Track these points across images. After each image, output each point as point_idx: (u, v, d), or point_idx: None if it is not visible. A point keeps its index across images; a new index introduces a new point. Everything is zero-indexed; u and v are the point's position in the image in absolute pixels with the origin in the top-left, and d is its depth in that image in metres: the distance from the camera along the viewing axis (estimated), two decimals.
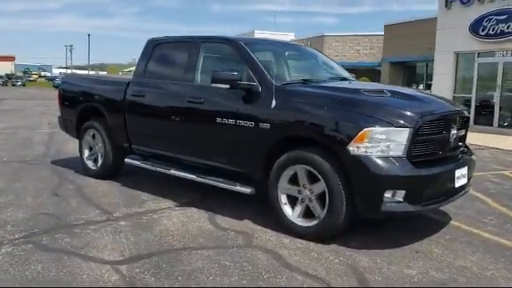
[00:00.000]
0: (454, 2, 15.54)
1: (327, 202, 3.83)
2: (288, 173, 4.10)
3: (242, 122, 4.35)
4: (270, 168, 4.26)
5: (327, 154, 3.82)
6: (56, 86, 54.34)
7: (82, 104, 6.32)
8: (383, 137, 3.63)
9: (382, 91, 4.22)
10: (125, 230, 4.21)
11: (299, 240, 3.99)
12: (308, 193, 4.01)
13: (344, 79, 5.17)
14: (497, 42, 14.07)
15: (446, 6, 15.81)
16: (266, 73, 4.40)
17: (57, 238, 3.96)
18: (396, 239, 4.10)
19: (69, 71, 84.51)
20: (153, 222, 4.43)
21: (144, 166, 5.50)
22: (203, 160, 4.89)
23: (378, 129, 3.62)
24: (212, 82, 4.41)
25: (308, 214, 4.06)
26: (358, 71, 26.49)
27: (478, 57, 15.05)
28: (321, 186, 3.88)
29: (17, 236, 3.97)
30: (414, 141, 3.69)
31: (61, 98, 6.69)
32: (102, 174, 6.11)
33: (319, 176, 3.85)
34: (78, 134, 6.51)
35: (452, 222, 4.67)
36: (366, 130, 3.61)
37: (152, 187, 5.72)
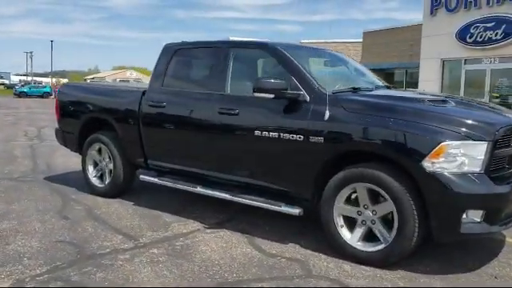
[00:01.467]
0: (440, 10, 15.67)
1: (396, 224, 3.48)
2: (345, 192, 3.74)
3: (287, 136, 3.95)
4: (322, 186, 3.88)
5: (396, 171, 3.48)
6: (17, 94, 52.34)
7: (85, 115, 5.76)
8: (460, 151, 3.32)
9: (445, 100, 3.92)
10: (162, 259, 3.73)
11: (362, 267, 3.63)
12: (370, 214, 3.65)
13: (387, 87, 4.86)
14: (484, 49, 14.23)
15: (432, 13, 15.93)
16: (314, 81, 4.04)
17: (87, 272, 3.44)
18: (461, 261, 3.80)
19: (29, 78, 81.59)
20: (189, 249, 3.97)
21: (164, 183, 5.00)
22: (237, 177, 4.46)
23: (455, 143, 3.31)
24: (255, 91, 4.00)
25: (368, 237, 3.70)
26: None
27: (465, 64, 15.20)
28: (387, 206, 3.53)
29: (39, 271, 3.44)
30: (491, 155, 3.39)
31: (59, 108, 6.10)
32: (110, 193, 5.57)
33: (386, 195, 3.50)
34: (81, 148, 5.94)
35: (509, 240, 4.40)
36: (443, 144, 3.29)
37: (170, 206, 5.24)
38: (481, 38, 14.19)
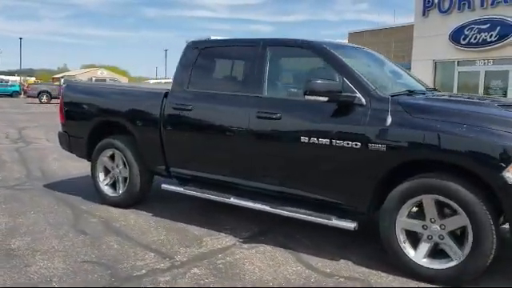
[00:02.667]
0: (432, 11, 15.69)
1: (470, 239, 3.22)
2: (410, 205, 3.45)
3: (341, 143, 3.64)
4: (380, 198, 3.59)
5: (470, 182, 3.21)
6: None
7: (97, 118, 5.31)
8: None
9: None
10: (208, 281, 3.37)
11: (430, 286, 3.34)
12: (438, 228, 3.37)
13: (435, 89, 4.61)
14: (479, 51, 14.28)
15: (424, 14, 15.94)
16: (369, 82, 3.74)
17: None
18: None
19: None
20: (234, 268, 3.61)
21: (191, 193, 4.61)
22: (276, 187, 4.13)
23: None
24: (306, 94, 3.67)
25: (434, 253, 3.42)
26: None
27: (458, 65, 15.24)
28: (460, 220, 3.26)
29: None
30: None
31: (64, 109, 5.62)
32: (125, 202, 5.15)
33: (459, 209, 3.23)
34: (89, 153, 5.48)
35: None
36: None
37: (193, 217, 4.86)
38: (475, 39, 14.24)
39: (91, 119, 5.34)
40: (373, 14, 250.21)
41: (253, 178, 4.24)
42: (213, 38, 5.00)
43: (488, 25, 13.89)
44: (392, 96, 3.65)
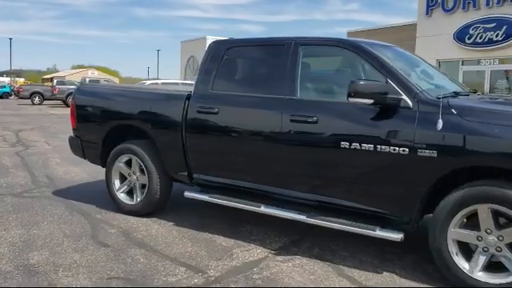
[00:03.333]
0: (435, 10, 15.57)
1: None
2: (463, 214, 3.24)
3: (386, 148, 3.43)
4: (428, 207, 3.39)
5: None
6: None
7: (112, 122, 5.06)
8: None
9: None
10: None
11: None
12: (495, 240, 3.16)
13: (475, 91, 4.41)
14: (484, 51, 14.17)
15: (427, 13, 15.82)
16: (414, 84, 3.53)
17: None
18: None
19: None
20: (273, 283, 3.40)
21: (217, 201, 4.37)
22: (312, 195, 3.90)
23: None
24: (350, 96, 3.45)
25: (491, 266, 3.22)
26: None
27: (463, 65, 15.13)
28: None
29: None
30: None
31: (76, 113, 5.35)
32: (143, 211, 4.90)
33: None
34: (104, 159, 5.23)
35: None
36: None
37: (216, 226, 4.64)
38: (481, 38, 14.14)
39: (106, 123, 5.08)
40: (363, 14, 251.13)
41: (285, 186, 4.02)
42: (233, 37, 4.75)
43: (494, 24, 13.79)
44: (441, 98, 3.44)
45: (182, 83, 24.21)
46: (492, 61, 14.23)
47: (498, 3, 13.70)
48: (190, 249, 4.05)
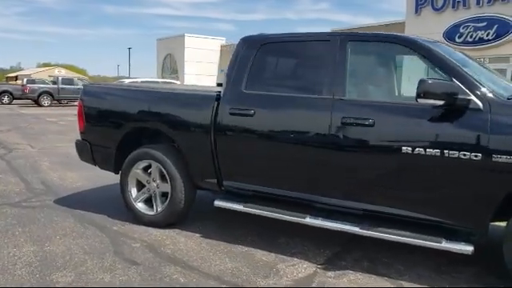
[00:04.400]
0: (425, 8, 15.57)
1: None
2: None
3: (456, 154, 3.17)
4: (502, 218, 3.14)
5: None
6: None
7: (128, 124, 4.64)
8: None
9: None
10: None
11: None
12: None
13: None
14: (475, 50, 14.22)
15: (416, 12, 15.82)
16: (484, 84, 3.28)
17: None
18: None
19: None
20: None
21: (256, 212, 4.03)
22: (363, 204, 3.62)
23: None
24: (419, 97, 3.17)
25: None
26: None
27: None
28: None
29: None
30: None
31: (85, 114, 4.91)
32: (164, 221, 4.51)
33: None
34: (117, 166, 4.81)
35: None
36: None
37: (248, 238, 4.31)
38: (471, 37, 14.20)
39: (122, 126, 4.66)
40: (333, 13, 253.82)
41: (333, 194, 3.71)
42: (264, 33, 4.41)
43: (485, 23, 13.88)
44: (509, 99, 3.20)
45: (163, 81, 23.68)
46: (482, 60, 14.29)
47: (488, 2, 13.80)
48: (229, 265, 3.69)
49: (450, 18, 14.70)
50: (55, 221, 4.72)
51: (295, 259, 3.84)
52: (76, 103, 26.48)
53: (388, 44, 3.74)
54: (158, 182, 4.55)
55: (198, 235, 4.37)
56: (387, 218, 3.55)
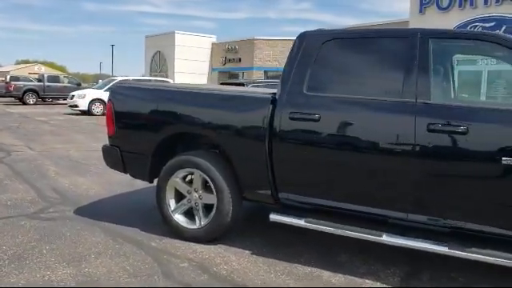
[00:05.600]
0: (430, 8, 15.35)
1: None
2: None
3: None
4: None
5: None
6: None
7: (167, 129, 4.21)
8: None
9: None
10: None
11: None
12: None
13: None
14: None
15: (421, 11, 15.59)
16: None
17: None
18: None
19: None
20: None
21: (320, 228, 3.63)
22: (452, 221, 3.25)
23: None
24: None
25: None
26: None
27: (458, 64, 14.94)
28: None
29: None
30: None
31: (116, 117, 4.44)
32: (208, 236, 4.09)
33: None
34: (152, 174, 4.37)
35: None
36: None
37: (305, 255, 3.91)
38: None
39: (159, 131, 4.22)
40: (315, 13, 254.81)
41: (416, 210, 3.33)
42: (322, 28, 4.02)
43: (493, 23, 13.70)
44: None
45: (155, 80, 23.10)
46: (489, 61, 14.15)
47: (496, 2, 13.64)
48: None
49: (456, 17, 14.51)
50: (83, 235, 4.25)
51: (367, 281, 3.46)
52: (62, 101, 25.72)
53: (476, 42, 3.36)
54: (200, 192, 4.12)
55: (248, 252, 3.95)
56: (476, 236, 3.19)
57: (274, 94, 3.87)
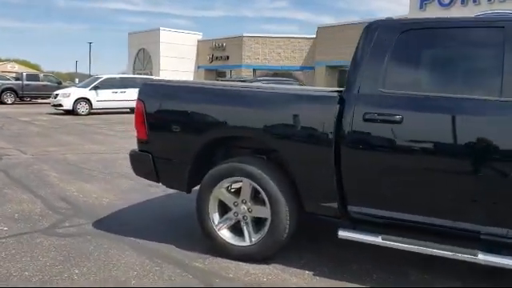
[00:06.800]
0: (431, 4, 15.15)
1: None
2: None
3: None
4: None
5: None
6: None
7: (211, 133, 3.71)
8: None
9: None
10: None
11: None
12: None
13: None
14: None
15: (421, 7, 15.38)
16: None
17: None
18: None
19: None
20: None
21: (399, 246, 3.18)
22: None
23: None
24: None
25: None
26: (282, 75, 25.45)
27: None
28: None
29: None
30: None
31: (148, 119, 3.92)
32: (259, 254, 3.62)
33: None
34: (191, 183, 3.88)
35: None
36: None
37: (375, 275, 3.50)
38: None
39: (202, 134, 3.73)
40: (291, 12, 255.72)
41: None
42: (390, 17, 3.58)
43: None
44: None
45: (141, 78, 22.38)
46: None
47: None
48: None
49: (458, 14, 14.28)
50: (113, 255, 3.73)
51: None
52: (41, 101, 24.75)
53: None
54: (249, 204, 3.65)
55: (309, 273, 3.49)
56: None
57: (338, 91, 3.43)
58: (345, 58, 21.84)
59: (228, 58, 28.42)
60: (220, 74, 30.44)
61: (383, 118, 3.14)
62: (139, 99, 4.00)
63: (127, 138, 11.15)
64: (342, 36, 22.06)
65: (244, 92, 3.75)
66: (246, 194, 3.64)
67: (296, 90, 3.72)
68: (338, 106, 3.29)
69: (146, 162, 3.99)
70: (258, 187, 3.54)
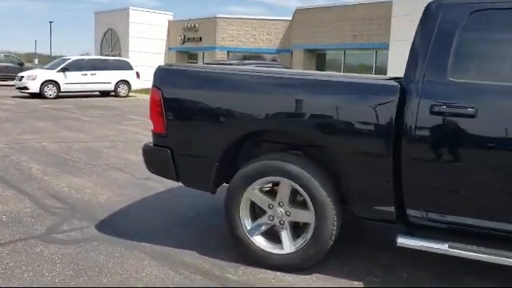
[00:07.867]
0: None
1: None
2: None
3: None
4: None
5: None
6: None
7: (246, 127, 3.25)
8: None
9: None
10: None
11: None
12: None
13: None
14: None
15: None
16: None
17: None
18: None
19: None
20: None
21: (469, 255, 2.83)
22: None
23: None
24: None
25: None
26: (258, 58, 24.91)
27: None
28: None
29: None
30: None
31: (168, 111, 3.41)
32: (300, 264, 3.21)
33: None
34: (218, 183, 3.43)
35: None
36: None
37: (426, 283, 3.12)
38: None
39: (233, 128, 3.26)
40: None
41: None
42: None
43: None
44: None
45: (115, 59, 21.41)
46: None
47: None
48: None
49: None
50: (130, 266, 3.25)
51: None
52: (2, 83, 23.43)
53: None
54: (287, 207, 3.23)
55: (357, 283, 3.11)
56: None
57: (396, 79, 3.02)
58: (323, 41, 21.56)
59: (201, 39, 27.54)
60: (192, 57, 29.55)
61: (453, 110, 2.76)
62: (155, 86, 3.48)
63: (106, 123, 10.50)
64: (319, 19, 21.69)
65: (284, 79, 3.27)
66: (284, 195, 3.22)
67: (349, 78, 3.28)
68: (398, 96, 2.89)
69: (163, 159, 3.48)
70: (300, 188, 3.12)
